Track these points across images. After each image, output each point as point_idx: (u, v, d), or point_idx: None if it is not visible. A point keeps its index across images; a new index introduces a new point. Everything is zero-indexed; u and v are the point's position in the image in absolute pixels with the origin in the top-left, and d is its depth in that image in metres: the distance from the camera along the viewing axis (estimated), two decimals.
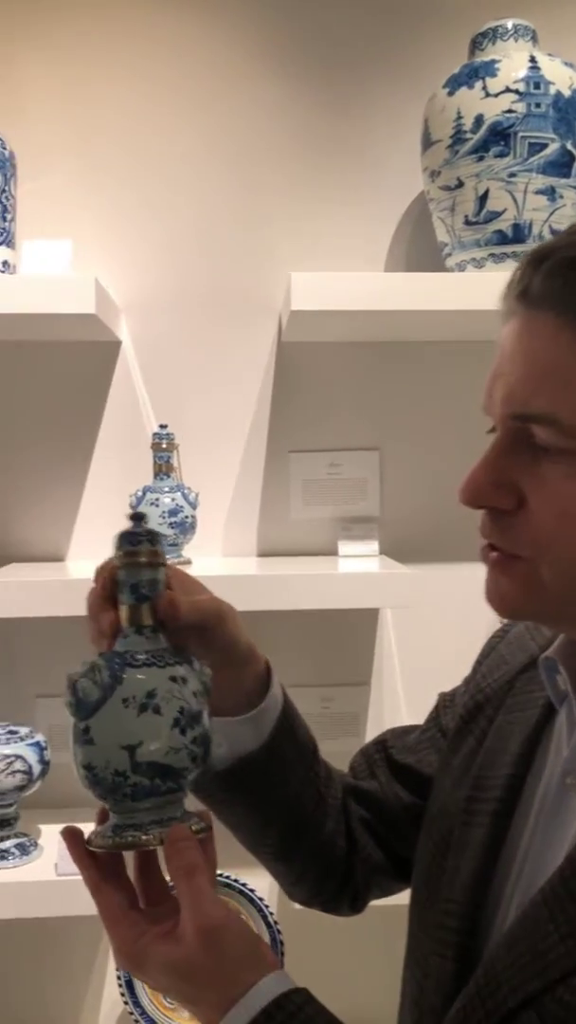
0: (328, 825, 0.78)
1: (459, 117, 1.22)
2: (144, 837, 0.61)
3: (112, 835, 0.61)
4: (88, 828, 0.64)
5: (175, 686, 0.61)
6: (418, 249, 1.43)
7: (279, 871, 0.81)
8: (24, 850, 1.27)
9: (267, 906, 1.35)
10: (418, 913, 0.70)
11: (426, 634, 1.47)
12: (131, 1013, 1.33)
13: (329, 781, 0.80)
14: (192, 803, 0.66)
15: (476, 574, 0.63)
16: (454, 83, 1.24)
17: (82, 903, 1.23)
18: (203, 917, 0.58)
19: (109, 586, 0.65)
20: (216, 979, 0.58)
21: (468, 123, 1.22)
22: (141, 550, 0.64)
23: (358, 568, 1.32)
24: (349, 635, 1.46)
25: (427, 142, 1.28)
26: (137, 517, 0.66)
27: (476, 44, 1.26)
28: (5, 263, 1.26)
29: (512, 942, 0.56)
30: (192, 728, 0.61)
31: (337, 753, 1.45)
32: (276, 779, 0.74)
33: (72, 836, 0.63)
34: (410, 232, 1.43)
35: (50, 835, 1.32)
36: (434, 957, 0.63)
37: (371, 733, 1.46)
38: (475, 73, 1.22)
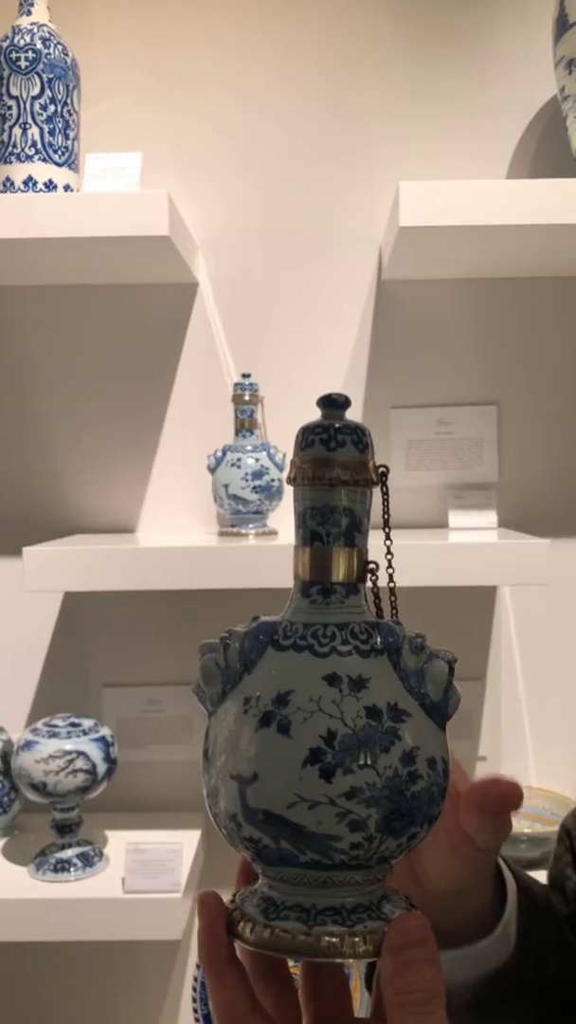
0: None
1: None
2: (303, 936, 0.36)
3: (262, 918, 0.38)
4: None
5: (331, 693, 0.37)
6: (546, 160, 1.21)
7: None
8: (87, 861, 1.11)
9: None
10: None
11: (553, 622, 1.25)
12: None
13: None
14: None
15: None
16: None
17: (153, 927, 1.06)
18: None
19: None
20: None
21: None
22: (338, 458, 0.40)
23: (472, 539, 1.11)
24: (460, 620, 1.25)
25: (563, 25, 1.06)
26: (334, 402, 0.41)
27: None
28: (67, 187, 1.10)
29: None
30: (352, 771, 0.36)
31: None
32: (536, 970, 0.54)
33: (211, 913, 0.39)
34: (536, 141, 1.22)
35: (117, 844, 1.15)
36: None
37: (487, 735, 1.25)
38: None
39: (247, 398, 1.17)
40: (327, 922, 0.37)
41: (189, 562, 1.05)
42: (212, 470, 1.16)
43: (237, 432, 1.17)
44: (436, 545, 1.06)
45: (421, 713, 0.39)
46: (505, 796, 0.45)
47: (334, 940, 0.36)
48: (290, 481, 0.42)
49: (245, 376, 1.17)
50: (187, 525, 1.25)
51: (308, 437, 0.41)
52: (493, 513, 1.22)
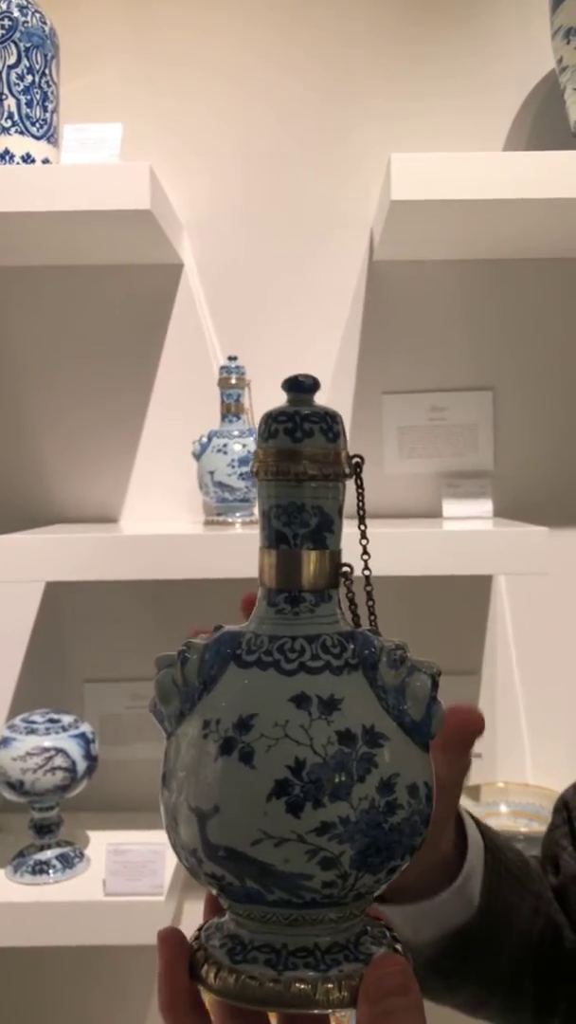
0: (570, 938, 0.56)
1: None
2: (271, 984, 0.33)
3: (228, 961, 0.34)
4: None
5: (299, 716, 0.33)
6: (542, 138, 1.17)
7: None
8: (67, 862, 1.07)
9: None
10: None
11: (550, 612, 1.21)
12: None
13: (544, 887, 0.58)
14: None
15: None
16: None
17: (135, 930, 1.02)
18: None
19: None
20: None
21: None
22: (305, 449, 0.35)
23: (466, 527, 1.07)
24: (453, 612, 1.21)
25: None
26: (300, 385, 0.36)
27: None
28: (46, 161, 1.06)
29: None
30: (323, 805, 0.32)
31: None
32: (502, 935, 0.51)
33: (170, 954, 0.35)
34: (532, 118, 1.18)
35: (98, 845, 1.11)
36: None
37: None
38: None
39: (233, 382, 1.13)
40: (299, 965, 0.33)
41: (174, 551, 1.01)
42: (197, 456, 1.12)
43: (223, 417, 1.13)
44: (429, 533, 1.02)
45: (401, 735, 0.35)
46: (464, 725, 0.41)
47: (306, 987, 0.32)
48: (253, 475, 0.37)
49: (231, 359, 1.13)
50: (172, 513, 1.21)
51: (271, 426, 0.36)
52: (488, 502, 1.18)
